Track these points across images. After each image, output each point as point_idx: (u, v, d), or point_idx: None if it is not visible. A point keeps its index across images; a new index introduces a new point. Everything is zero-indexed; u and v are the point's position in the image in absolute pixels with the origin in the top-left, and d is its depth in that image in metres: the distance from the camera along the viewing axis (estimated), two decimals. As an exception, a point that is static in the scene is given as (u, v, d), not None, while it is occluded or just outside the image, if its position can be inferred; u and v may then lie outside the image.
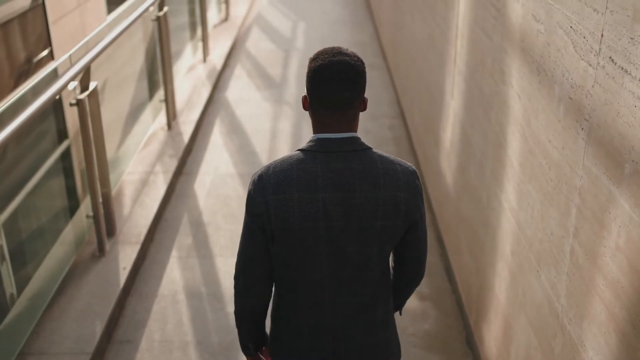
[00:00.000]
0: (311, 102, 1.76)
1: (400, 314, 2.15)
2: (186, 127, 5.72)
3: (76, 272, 3.70)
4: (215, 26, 8.98)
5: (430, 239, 4.06)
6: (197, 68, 7.32)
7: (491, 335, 2.91)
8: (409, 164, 1.82)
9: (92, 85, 3.62)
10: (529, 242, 2.36)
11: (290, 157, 1.77)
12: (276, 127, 6.01)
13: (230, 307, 3.59)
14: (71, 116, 5.35)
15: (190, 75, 7.07)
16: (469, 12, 3.32)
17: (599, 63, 1.75)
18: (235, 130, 5.98)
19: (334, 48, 1.74)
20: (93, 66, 3.68)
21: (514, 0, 2.53)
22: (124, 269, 3.74)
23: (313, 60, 1.73)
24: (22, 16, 5.50)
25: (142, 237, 4.05)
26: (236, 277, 1.86)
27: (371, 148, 1.78)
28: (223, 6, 9.51)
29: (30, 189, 4.85)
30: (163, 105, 5.69)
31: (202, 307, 3.62)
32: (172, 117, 5.72)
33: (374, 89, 6.80)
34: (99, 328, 3.28)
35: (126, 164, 5.00)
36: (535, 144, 2.27)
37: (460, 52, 3.50)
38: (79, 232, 4.06)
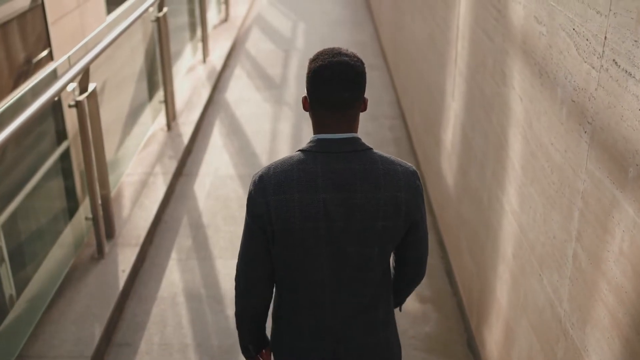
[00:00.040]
0: (311, 103, 1.76)
1: (400, 310, 2.16)
2: (186, 128, 5.70)
3: (75, 275, 3.68)
4: (215, 27, 8.96)
5: (431, 241, 4.04)
6: (196, 69, 7.30)
7: (492, 339, 2.89)
8: (409, 164, 1.82)
9: (91, 87, 3.60)
10: (530, 245, 2.34)
11: (290, 157, 1.77)
12: (276, 128, 6.00)
13: (230, 310, 3.58)
14: (70, 117, 5.34)
15: (190, 76, 7.05)
16: (469, 13, 3.30)
17: (602, 66, 1.73)
18: (235, 131, 5.96)
19: (333, 48, 1.75)
20: (92, 67, 3.66)
21: (516, 2, 2.52)
22: (123, 271, 3.73)
23: (313, 60, 1.74)
24: (22, 16, 5.48)
25: (141, 239, 4.03)
26: (237, 278, 1.87)
27: (372, 148, 1.78)
28: (223, 6, 9.50)
29: (29, 190, 4.83)
30: (163, 106, 5.67)
31: (202, 309, 3.60)
32: (171, 118, 5.70)
33: (374, 89, 6.79)
34: (98, 331, 3.26)
35: (125, 166, 4.98)
36: (537, 147, 2.26)
37: (461, 53, 3.49)
38: (78, 234, 4.04)
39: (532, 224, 2.33)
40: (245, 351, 2.02)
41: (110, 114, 5.47)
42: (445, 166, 3.92)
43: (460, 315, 3.54)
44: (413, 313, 3.54)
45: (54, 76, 3.63)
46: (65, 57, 3.63)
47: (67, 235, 4.25)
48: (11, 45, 5.36)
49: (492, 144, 2.87)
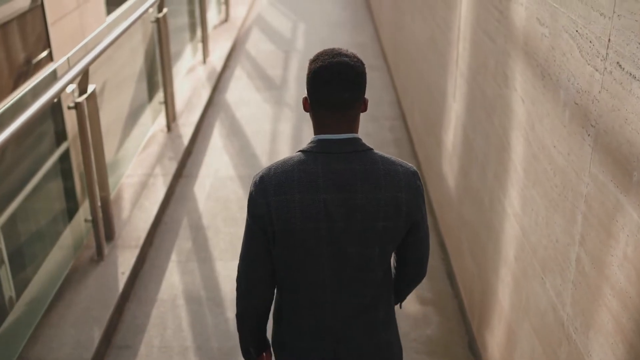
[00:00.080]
0: (311, 104, 1.76)
1: (401, 307, 2.16)
2: (186, 129, 5.69)
3: (75, 277, 3.67)
4: (215, 27, 8.95)
5: (432, 243, 4.03)
6: (196, 69, 7.29)
7: (494, 341, 2.88)
8: (410, 164, 1.82)
9: (90, 88, 3.59)
10: (533, 248, 2.33)
11: (291, 158, 1.77)
12: (276, 129, 5.98)
13: (230, 312, 3.56)
14: (70, 118, 5.32)
15: (189, 77, 7.04)
16: (471, 14, 3.28)
17: (605, 68, 1.72)
18: (235, 132, 5.95)
19: (334, 49, 1.75)
20: (92, 68, 3.65)
21: (518, 3, 2.50)
22: (123, 273, 3.71)
23: (313, 61, 1.74)
24: (21, 17, 5.47)
25: (141, 241, 4.02)
26: (238, 279, 1.87)
27: (372, 149, 1.79)
28: (223, 7, 9.48)
29: (28, 192, 4.81)
30: (162, 107, 5.66)
31: (202, 312, 3.59)
32: (171, 119, 5.69)
33: (375, 90, 6.77)
34: (97, 333, 3.25)
35: (125, 167, 4.97)
36: (540, 149, 2.24)
37: (462, 54, 3.47)
38: (77, 236, 4.03)
39: (534, 226, 2.31)
40: (245, 353, 2.02)
41: (110, 115, 5.45)
42: (446, 167, 3.91)
43: (461, 318, 3.52)
44: (414, 315, 3.53)
45: (53, 77, 3.61)
46: (64, 58, 3.61)
47: (67, 237, 4.23)
48: (11, 46, 5.35)
49: (493, 145, 2.85)
